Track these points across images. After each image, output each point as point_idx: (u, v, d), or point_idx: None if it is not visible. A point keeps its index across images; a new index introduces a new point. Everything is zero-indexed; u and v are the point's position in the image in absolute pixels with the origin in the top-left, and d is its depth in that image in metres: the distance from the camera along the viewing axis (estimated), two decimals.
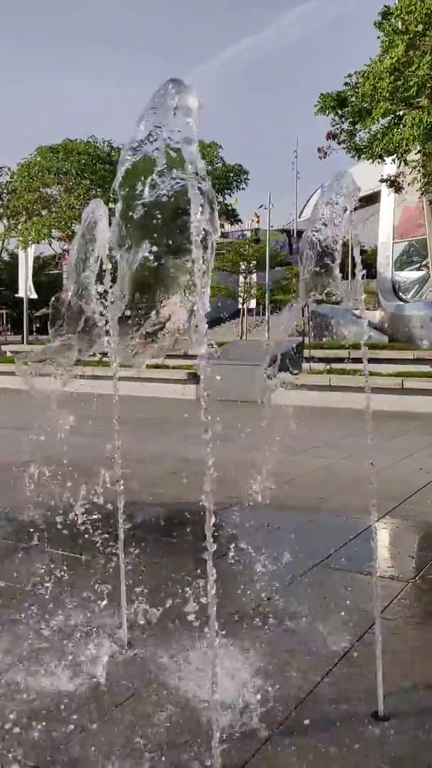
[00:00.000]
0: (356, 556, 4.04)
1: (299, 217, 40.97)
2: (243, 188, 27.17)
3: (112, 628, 3.02)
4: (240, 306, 34.95)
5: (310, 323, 21.00)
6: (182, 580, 3.48)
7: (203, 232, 1.89)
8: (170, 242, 2.10)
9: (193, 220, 1.87)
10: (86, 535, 3.47)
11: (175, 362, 13.97)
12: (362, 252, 2.63)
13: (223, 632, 2.84)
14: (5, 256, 39.98)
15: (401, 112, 14.37)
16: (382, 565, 3.92)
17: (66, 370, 2.92)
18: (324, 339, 21.54)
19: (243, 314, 34.87)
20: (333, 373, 12.82)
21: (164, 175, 1.99)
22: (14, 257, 34.44)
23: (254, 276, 36.03)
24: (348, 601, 3.35)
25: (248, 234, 41.37)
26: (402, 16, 13.30)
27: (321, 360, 13.79)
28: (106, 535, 3.54)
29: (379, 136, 14.96)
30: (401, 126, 14.23)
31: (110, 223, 2.48)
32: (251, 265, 35.04)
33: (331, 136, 16.23)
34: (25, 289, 27.29)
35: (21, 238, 24.69)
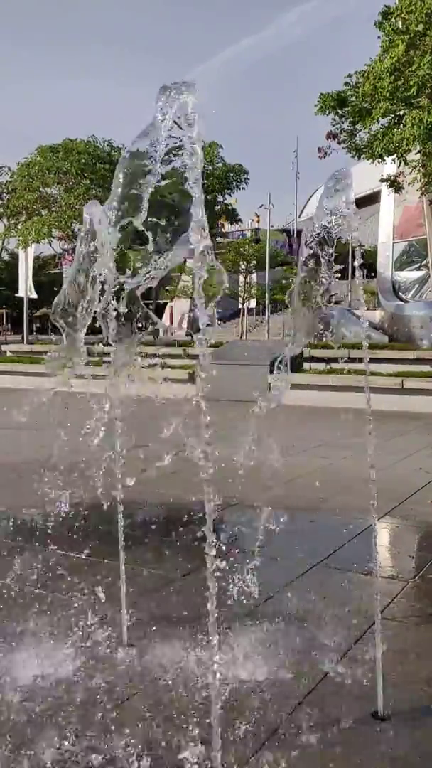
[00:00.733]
0: (356, 556, 4.04)
1: (299, 217, 40.95)
2: (243, 188, 27.24)
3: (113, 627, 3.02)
4: (240, 306, 34.95)
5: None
6: (181, 580, 3.48)
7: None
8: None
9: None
10: (86, 535, 3.47)
11: (175, 362, 13.95)
12: (361, 251, 2.62)
13: (222, 632, 2.84)
14: (5, 256, 39.96)
15: (401, 112, 14.38)
16: (382, 565, 3.92)
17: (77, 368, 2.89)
18: (324, 339, 21.52)
19: (243, 314, 34.87)
20: (333, 373, 12.81)
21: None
22: (14, 257, 34.42)
23: (254, 276, 36.03)
24: (347, 601, 3.35)
25: (248, 234, 41.38)
26: (402, 15, 13.31)
27: (321, 360, 13.78)
28: (107, 534, 3.53)
29: (379, 135, 14.96)
30: (401, 126, 14.24)
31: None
32: (251, 264, 35.05)
33: (331, 135, 16.24)
34: (25, 288, 27.28)
35: (21, 238, 24.70)
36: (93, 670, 2.68)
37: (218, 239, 37.15)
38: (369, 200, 26.69)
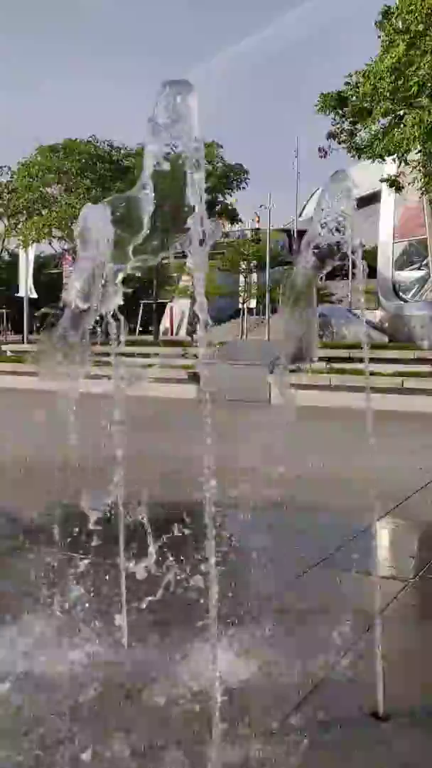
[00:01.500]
0: (356, 555, 4.04)
1: (299, 216, 40.95)
2: (243, 188, 27.19)
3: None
4: (240, 306, 34.96)
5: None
6: (181, 580, 3.48)
7: None
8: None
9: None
10: (87, 534, 3.46)
11: (174, 362, 13.97)
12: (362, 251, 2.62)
13: (222, 632, 2.84)
14: (5, 256, 39.93)
15: (402, 112, 14.38)
16: (381, 565, 3.91)
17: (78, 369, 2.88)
18: (324, 339, 21.54)
19: (243, 314, 34.89)
20: (333, 373, 12.81)
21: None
22: (14, 257, 34.41)
23: (254, 276, 36.04)
24: (347, 601, 3.35)
25: (248, 234, 41.36)
26: (402, 15, 13.30)
27: (321, 359, 13.78)
28: (107, 534, 3.53)
29: (379, 135, 14.96)
30: (402, 126, 14.23)
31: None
32: (251, 264, 35.06)
33: (331, 135, 16.24)
34: (26, 288, 27.30)
35: (21, 238, 24.71)
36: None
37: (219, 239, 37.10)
38: (369, 200, 26.67)
